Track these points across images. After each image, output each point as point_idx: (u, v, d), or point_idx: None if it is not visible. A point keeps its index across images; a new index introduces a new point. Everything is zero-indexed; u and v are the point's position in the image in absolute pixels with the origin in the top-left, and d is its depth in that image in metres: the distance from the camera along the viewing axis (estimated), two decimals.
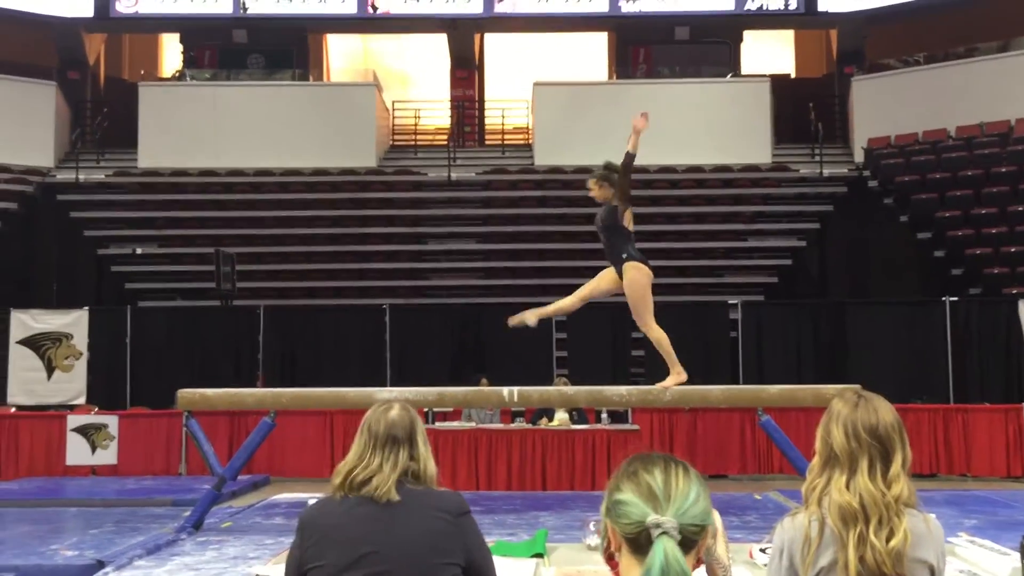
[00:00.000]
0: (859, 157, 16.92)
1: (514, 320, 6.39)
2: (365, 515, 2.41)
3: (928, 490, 8.44)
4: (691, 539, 1.63)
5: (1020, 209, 14.26)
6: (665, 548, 1.54)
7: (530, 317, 6.37)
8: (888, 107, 16.81)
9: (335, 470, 2.51)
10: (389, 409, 2.54)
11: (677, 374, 6.27)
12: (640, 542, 1.62)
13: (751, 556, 3.50)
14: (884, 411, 2.28)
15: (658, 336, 6.24)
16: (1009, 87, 15.91)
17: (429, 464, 2.53)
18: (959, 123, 16.22)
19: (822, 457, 2.29)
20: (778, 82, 18.34)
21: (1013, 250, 13.71)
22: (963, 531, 4.21)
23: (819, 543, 2.21)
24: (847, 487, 2.20)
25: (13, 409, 11.80)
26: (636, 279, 6.06)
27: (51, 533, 6.84)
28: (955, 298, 12.18)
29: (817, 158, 16.95)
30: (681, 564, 1.52)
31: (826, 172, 16.68)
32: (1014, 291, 12.81)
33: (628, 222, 6.18)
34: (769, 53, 21.14)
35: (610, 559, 1.71)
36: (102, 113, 18.26)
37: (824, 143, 17.01)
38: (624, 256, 6.09)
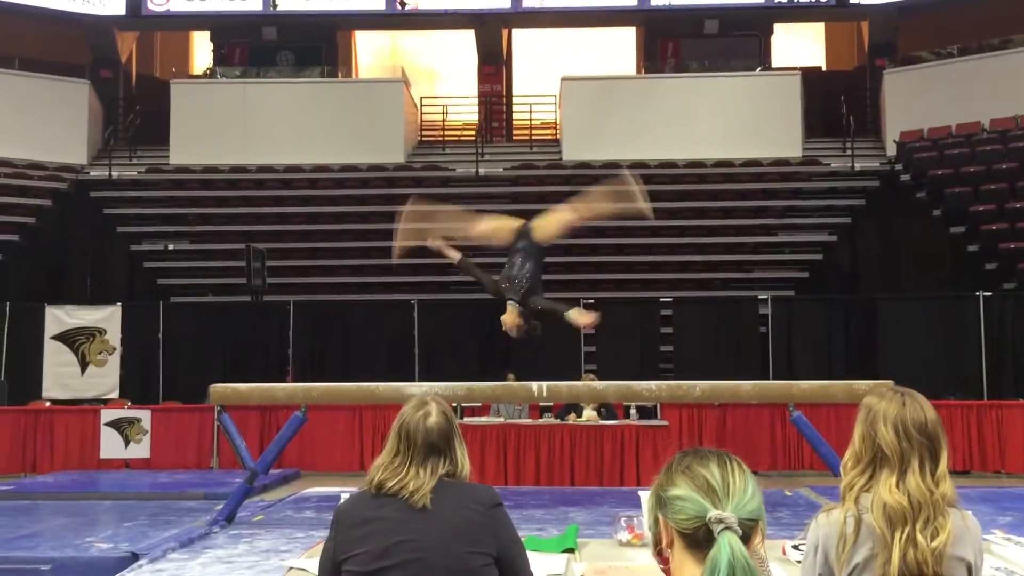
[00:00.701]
0: (891, 151, 16.73)
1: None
2: (399, 507, 2.43)
3: (962, 487, 8.29)
4: (747, 534, 1.62)
5: None
6: (731, 543, 1.53)
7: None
8: (921, 100, 16.61)
9: (372, 465, 2.52)
10: (427, 416, 2.51)
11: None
12: (698, 537, 1.61)
13: (784, 553, 3.48)
14: (928, 408, 2.26)
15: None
16: None
17: (465, 465, 2.54)
18: (993, 116, 15.99)
19: (863, 456, 2.26)
20: (809, 75, 18.17)
21: None
22: (998, 528, 4.16)
23: (855, 540, 2.19)
24: (897, 486, 2.17)
25: (48, 403, 11.98)
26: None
27: (86, 526, 6.92)
28: (989, 293, 12.02)
29: (848, 152, 16.78)
30: (747, 559, 1.51)
31: (857, 166, 16.51)
32: None
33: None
34: (799, 46, 20.95)
35: (659, 555, 1.70)
36: (134, 110, 18.47)
37: (855, 137, 16.83)
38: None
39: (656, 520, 1.71)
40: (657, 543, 1.71)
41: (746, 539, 1.61)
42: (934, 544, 2.13)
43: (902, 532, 2.14)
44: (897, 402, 2.26)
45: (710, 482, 1.64)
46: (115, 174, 17.05)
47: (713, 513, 1.59)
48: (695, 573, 1.61)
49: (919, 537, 2.13)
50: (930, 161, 15.71)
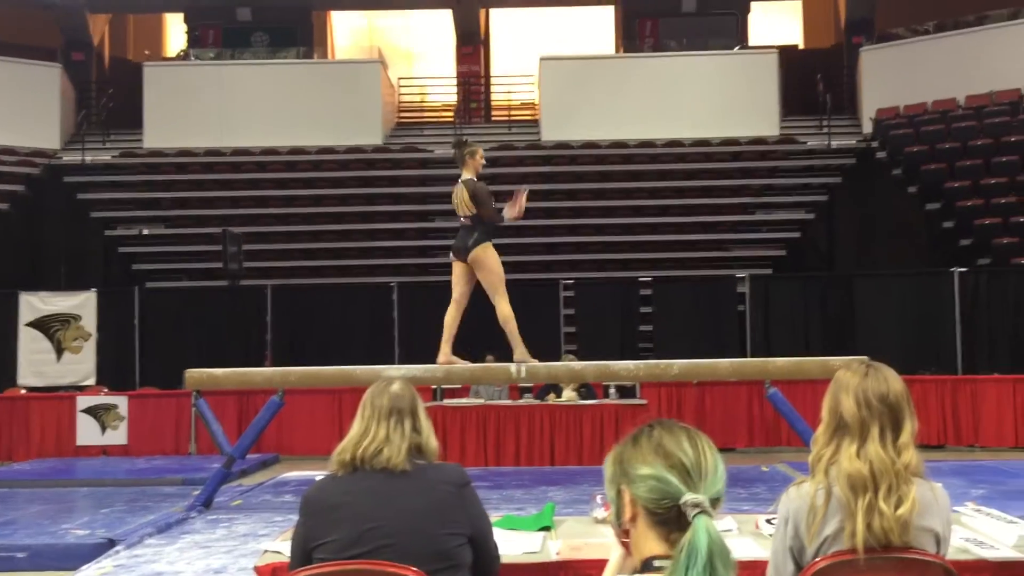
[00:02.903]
0: (868, 128, 16.80)
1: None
2: (369, 490, 2.41)
3: (936, 460, 8.43)
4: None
5: None
6: (707, 528, 1.52)
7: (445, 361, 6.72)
8: (897, 77, 16.66)
9: (338, 448, 2.51)
10: (390, 384, 2.57)
11: (525, 352, 6.60)
12: (668, 517, 1.60)
13: (757, 527, 3.49)
14: (893, 380, 2.28)
15: (510, 313, 6.61)
16: (1019, 55, 15.73)
17: (432, 439, 2.54)
18: (969, 92, 16.07)
19: (829, 427, 2.29)
20: (786, 53, 18.19)
21: (1023, 220, 13.62)
22: (970, 501, 4.20)
23: (824, 512, 2.20)
24: (857, 455, 2.19)
25: (23, 391, 11.88)
26: (494, 259, 6.50)
27: (62, 512, 6.90)
28: (964, 269, 12.12)
29: (825, 130, 16.83)
30: (723, 541, 1.50)
31: (834, 144, 16.57)
32: (1023, 261, 12.75)
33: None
34: (777, 24, 20.97)
35: (620, 528, 1.69)
36: (107, 94, 18.25)
37: (832, 114, 16.88)
38: (482, 239, 6.44)
39: (619, 493, 1.69)
40: (619, 517, 1.69)
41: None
42: (899, 512, 2.15)
43: (864, 500, 2.16)
44: (860, 373, 2.29)
45: (685, 464, 1.62)
46: (88, 158, 16.86)
47: (689, 497, 1.57)
48: (656, 549, 1.60)
49: (882, 505, 2.15)
50: (906, 138, 15.79)
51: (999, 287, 11.89)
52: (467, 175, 6.43)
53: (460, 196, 6.39)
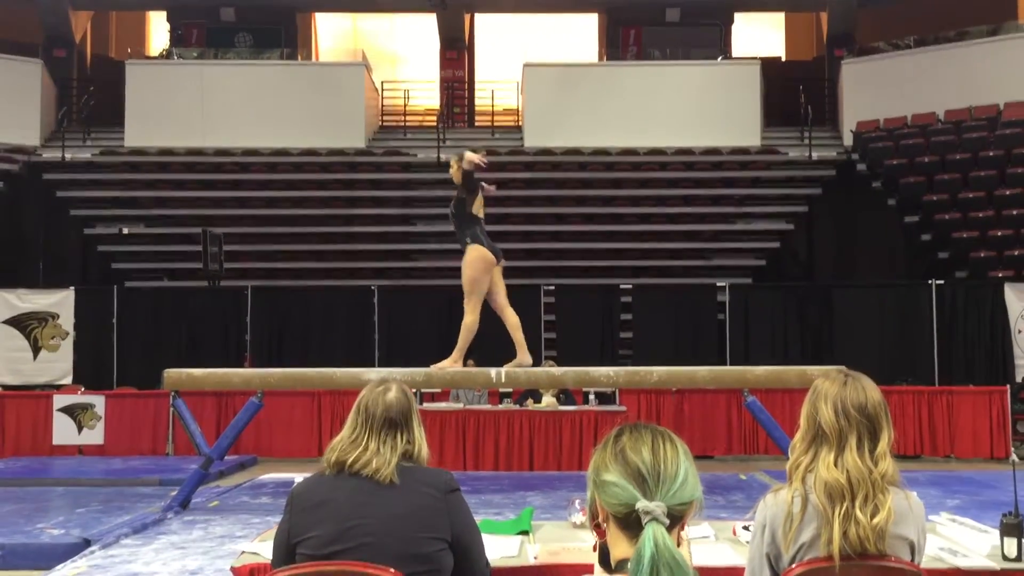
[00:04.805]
0: (848, 140, 16.94)
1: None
2: (355, 489, 2.43)
3: (912, 471, 8.51)
4: (678, 517, 1.64)
5: (1007, 193, 14.32)
6: (655, 536, 1.53)
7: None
8: (877, 90, 16.81)
9: (329, 446, 2.52)
10: (387, 391, 2.55)
11: (452, 361, 6.78)
12: (628, 521, 1.63)
13: (734, 533, 3.52)
14: (871, 390, 2.31)
15: (468, 322, 6.64)
16: (998, 71, 15.93)
17: (423, 447, 2.56)
18: (948, 107, 16.24)
19: (807, 435, 2.31)
20: (768, 65, 18.32)
21: (999, 234, 13.78)
22: (946, 511, 4.24)
23: (801, 519, 2.23)
24: (835, 464, 2.22)
25: None
26: (469, 260, 6.51)
27: (37, 512, 6.84)
28: (941, 281, 12.24)
29: (806, 141, 16.96)
30: (671, 551, 1.52)
31: (815, 155, 16.70)
32: (1000, 274, 12.89)
33: (478, 209, 6.57)
34: (760, 36, 21.12)
35: (597, 527, 1.73)
36: (88, 91, 18.11)
37: (813, 126, 17.01)
38: (467, 240, 6.53)
39: (593, 497, 1.73)
40: (594, 517, 1.74)
41: (676, 520, 1.63)
42: (875, 521, 2.18)
43: (840, 508, 2.19)
44: (839, 382, 2.32)
45: (641, 471, 1.65)
46: (68, 156, 16.73)
47: (641, 504, 1.60)
48: (627, 550, 1.64)
49: (858, 514, 2.18)
50: (885, 151, 15.93)
51: (975, 300, 12.02)
52: None
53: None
